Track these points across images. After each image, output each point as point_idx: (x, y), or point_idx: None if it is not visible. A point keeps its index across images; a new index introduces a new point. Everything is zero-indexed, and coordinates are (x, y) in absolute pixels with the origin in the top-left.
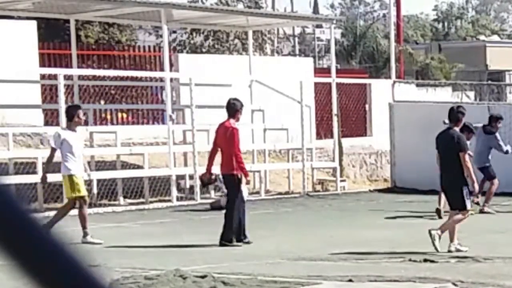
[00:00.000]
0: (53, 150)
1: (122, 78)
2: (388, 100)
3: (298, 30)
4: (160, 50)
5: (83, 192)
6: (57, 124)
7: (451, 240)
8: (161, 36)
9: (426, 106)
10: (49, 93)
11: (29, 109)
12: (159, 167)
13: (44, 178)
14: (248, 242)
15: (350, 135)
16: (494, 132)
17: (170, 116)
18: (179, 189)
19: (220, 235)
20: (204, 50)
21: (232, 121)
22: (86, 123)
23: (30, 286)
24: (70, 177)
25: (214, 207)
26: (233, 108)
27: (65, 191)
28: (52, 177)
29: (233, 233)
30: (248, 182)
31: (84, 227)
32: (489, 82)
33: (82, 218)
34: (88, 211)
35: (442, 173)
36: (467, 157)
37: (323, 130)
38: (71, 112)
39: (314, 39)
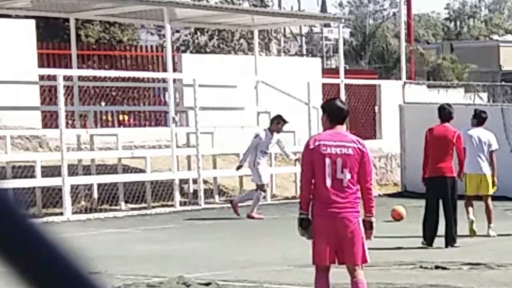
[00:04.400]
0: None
1: (123, 79)
2: (399, 101)
3: (305, 30)
4: (162, 50)
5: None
6: (56, 126)
7: None
8: (164, 35)
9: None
10: (48, 94)
11: (27, 111)
12: (162, 171)
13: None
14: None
15: (359, 137)
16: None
17: (173, 118)
18: (182, 193)
19: (450, 238)
20: (208, 50)
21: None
22: (85, 125)
23: None
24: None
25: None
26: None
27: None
28: (51, 181)
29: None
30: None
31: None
32: (503, 83)
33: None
34: (91, 216)
35: None
36: None
37: None
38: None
39: (322, 39)
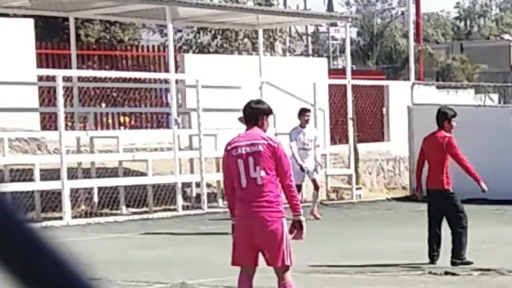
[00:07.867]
0: None
1: (124, 80)
2: (407, 103)
3: (311, 29)
4: (165, 50)
5: None
6: (55, 128)
7: None
8: (166, 35)
9: None
10: (47, 95)
11: (25, 113)
12: (164, 174)
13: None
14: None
15: (367, 140)
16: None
17: (176, 120)
18: (185, 197)
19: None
20: (211, 50)
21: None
22: (85, 127)
23: None
24: None
25: None
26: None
27: None
28: (50, 185)
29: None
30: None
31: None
32: None
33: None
34: (92, 220)
35: None
36: None
37: (337, 135)
38: None
39: (328, 39)
